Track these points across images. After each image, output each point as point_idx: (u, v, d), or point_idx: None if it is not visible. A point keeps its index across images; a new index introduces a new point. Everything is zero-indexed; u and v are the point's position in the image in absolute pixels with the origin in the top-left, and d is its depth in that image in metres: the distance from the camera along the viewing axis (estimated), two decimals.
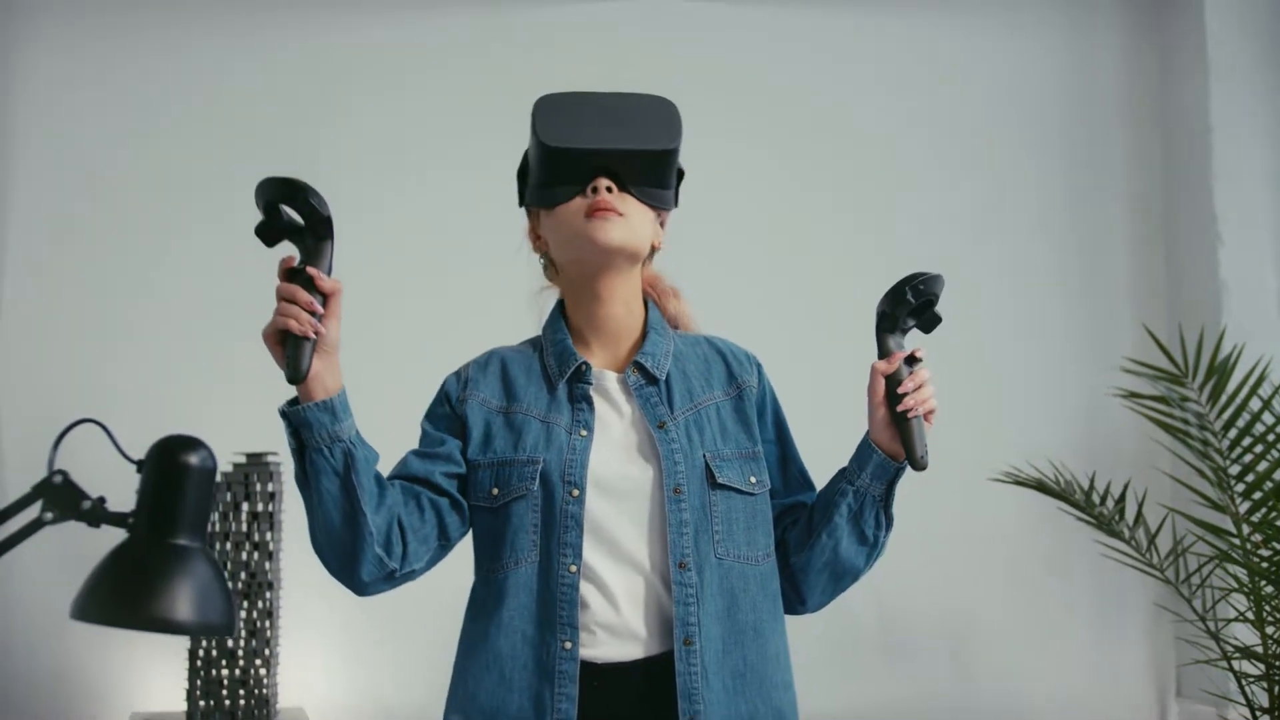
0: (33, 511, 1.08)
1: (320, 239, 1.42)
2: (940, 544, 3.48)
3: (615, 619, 1.54)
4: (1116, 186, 3.78)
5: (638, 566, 1.56)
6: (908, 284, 1.60)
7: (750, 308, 3.23)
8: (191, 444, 1.11)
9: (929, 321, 1.64)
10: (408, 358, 2.67)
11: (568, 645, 1.52)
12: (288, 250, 1.45)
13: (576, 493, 1.55)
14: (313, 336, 1.41)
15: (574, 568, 1.54)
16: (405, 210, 3.47)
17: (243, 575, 2.94)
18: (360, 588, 1.55)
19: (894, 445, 1.61)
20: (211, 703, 2.91)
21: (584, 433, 1.60)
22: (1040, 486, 3.04)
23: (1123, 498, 3.09)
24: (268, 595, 2.94)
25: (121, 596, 1.06)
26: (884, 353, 1.63)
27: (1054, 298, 3.71)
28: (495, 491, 1.59)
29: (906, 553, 3.52)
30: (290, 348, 1.40)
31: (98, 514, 1.09)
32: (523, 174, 1.72)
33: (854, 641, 3.44)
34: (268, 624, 2.94)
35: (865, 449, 1.64)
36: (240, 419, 2.76)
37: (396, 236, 3.40)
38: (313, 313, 1.40)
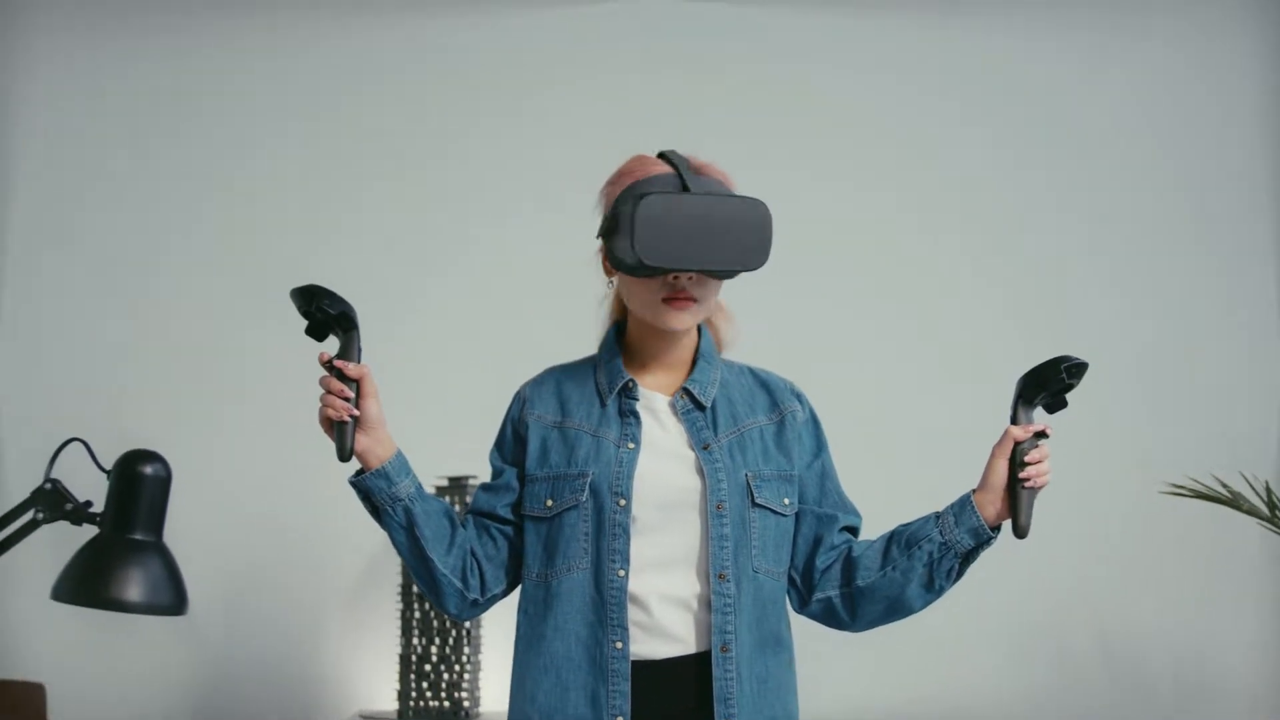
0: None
1: (345, 331, 1.62)
2: (1160, 553, 3.38)
3: (662, 620, 1.67)
4: None
5: (682, 572, 1.69)
6: (1062, 364, 1.63)
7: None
8: (149, 456, 1.35)
9: (1059, 404, 1.67)
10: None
11: (619, 645, 1.65)
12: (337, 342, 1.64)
13: (623, 503, 1.68)
14: (348, 420, 1.60)
15: (622, 572, 1.67)
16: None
17: None
18: (452, 616, 1.78)
19: (998, 509, 1.68)
20: (421, 703, 3.21)
21: (631, 445, 1.72)
22: (1203, 496, 2.84)
23: None
24: None
25: (85, 582, 1.30)
26: (1017, 420, 1.67)
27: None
28: (550, 503, 1.74)
29: (1127, 563, 3.40)
30: (336, 432, 1.61)
31: (79, 514, 1.34)
32: (612, 220, 1.71)
33: (1071, 650, 3.40)
34: (467, 631, 3.21)
35: (968, 507, 1.70)
36: (444, 444, 2.99)
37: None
38: (346, 398, 1.60)
